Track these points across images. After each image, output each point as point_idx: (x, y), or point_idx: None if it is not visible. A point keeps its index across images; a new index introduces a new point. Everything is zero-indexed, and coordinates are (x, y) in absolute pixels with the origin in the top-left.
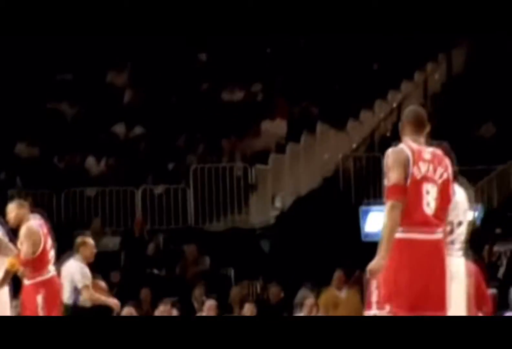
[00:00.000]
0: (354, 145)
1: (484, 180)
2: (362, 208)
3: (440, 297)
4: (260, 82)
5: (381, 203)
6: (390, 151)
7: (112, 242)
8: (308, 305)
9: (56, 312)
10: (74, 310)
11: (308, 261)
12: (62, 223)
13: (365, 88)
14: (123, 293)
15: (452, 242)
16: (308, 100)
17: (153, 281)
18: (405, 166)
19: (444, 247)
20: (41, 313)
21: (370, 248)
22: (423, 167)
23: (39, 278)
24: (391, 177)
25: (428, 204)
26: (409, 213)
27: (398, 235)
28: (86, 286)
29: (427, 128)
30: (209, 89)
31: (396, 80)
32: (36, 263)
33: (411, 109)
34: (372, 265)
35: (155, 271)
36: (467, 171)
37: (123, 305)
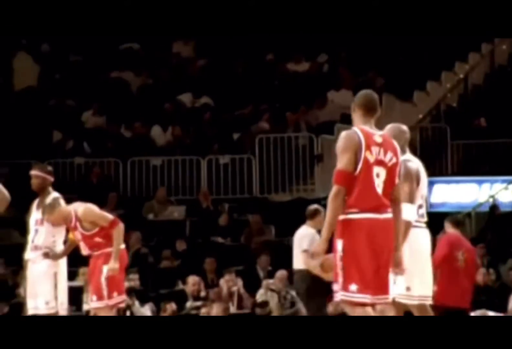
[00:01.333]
0: (420, 116)
1: None
2: (428, 179)
3: (387, 277)
4: (325, 53)
5: (447, 174)
6: (343, 135)
7: (178, 211)
8: None
9: (116, 285)
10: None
11: None
12: (128, 191)
13: (432, 59)
14: (188, 262)
15: (422, 215)
16: (373, 71)
17: (218, 250)
18: (356, 151)
19: (393, 226)
20: (104, 283)
21: (435, 218)
22: (375, 150)
23: (107, 249)
24: (340, 162)
25: (378, 186)
26: (362, 195)
27: (355, 216)
28: (305, 251)
29: (378, 112)
30: (275, 59)
31: (463, 51)
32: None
33: (363, 93)
34: (316, 247)
35: (220, 240)
36: None
37: (188, 274)
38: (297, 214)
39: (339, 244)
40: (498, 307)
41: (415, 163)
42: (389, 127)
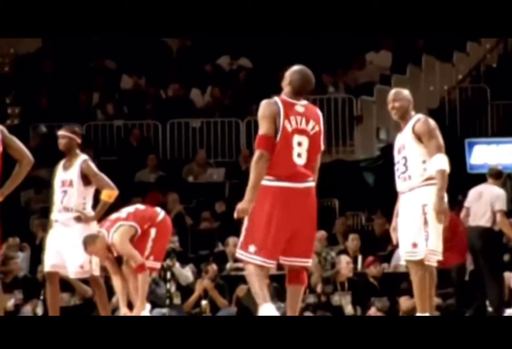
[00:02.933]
0: (460, 77)
1: None
2: (468, 140)
3: (306, 245)
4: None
5: (487, 135)
6: (262, 103)
7: (217, 173)
8: None
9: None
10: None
11: None
12: (168, 153)
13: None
14: (227, 224)
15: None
16: (413, 32)
17: None
18: (275, 118)
19: (315, 195)
20: (149, 245)
21: (475, 180)
22: (294, 120)
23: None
24: (261, 128)
25: (299, 155)
26: (279, 163)
27: (269, 183)
28: (501, 210)
29: (311, 87)
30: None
31: None
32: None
33: (298, 69)
34: (239, 206)
35: None
36: None
37: (227, 235)
38: (336, 176)
39: (256, 205)
40: None
41: (432, 120)
42: (396, 91)
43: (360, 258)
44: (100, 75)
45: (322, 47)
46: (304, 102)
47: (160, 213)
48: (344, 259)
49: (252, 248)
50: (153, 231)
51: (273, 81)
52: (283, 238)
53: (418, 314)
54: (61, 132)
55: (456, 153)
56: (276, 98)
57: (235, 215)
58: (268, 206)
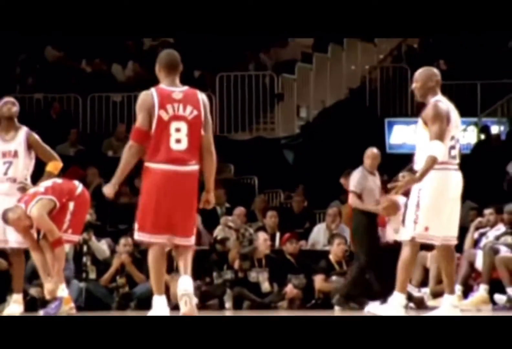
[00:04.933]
0: (381, 56)
1: (511, 94)
2: (387, 119)
3: (187, 224)
4: None
5: (407, 115)
6: (140, 95)
7: None
8: (331, 215)
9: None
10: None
11: (331, 172)
12: (88, 127)
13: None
14: None
15: (454, 157)
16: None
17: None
18: (150, 110)
19: (195, 178)
20: (68, 218)
21: (394, 159)
22: (171, 108)
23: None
24: (137, 120)
25: (178, 141)
26: (158, 150)
27: (151, 165)
28: (352, 192)
29: (180, 69)
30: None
31: None
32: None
33: (164, 53)
34: (104, 188)
35: None
36: (494, 84)
37: None
38: (256, 153)
39: (141, 186)
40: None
41: (446, 104)
42: (421, 70)
43: (278, 235)
44: (22, 49)
45: (243, 24)
46: (183, 88)
47: (79, 186)
48: (261, 236)
49: (144, 227)
50: (71, 205)
51: (195, 55)
52: (164, 215)
53: (394, 292)
54: (10, 99)
55: (376, 133)
56: (152, 89)
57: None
58: (151, 187)
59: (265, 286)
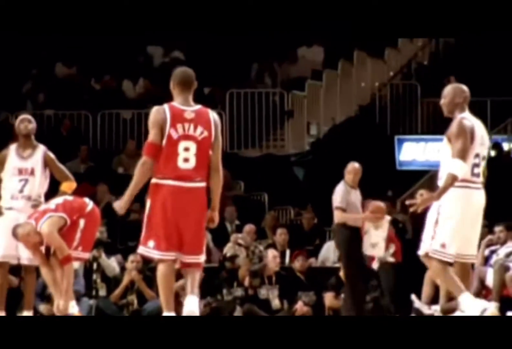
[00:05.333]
0: (391, 73)
1: None
2: (397, 136)
3: (195, 242)
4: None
5: (417, 133)
6: (152, 110)
7: None
8: None
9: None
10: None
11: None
12: (98, 144)
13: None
14: None
15: (478, 175)
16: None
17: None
18: (162, 126)
19: (203, 195)
20: (78, 235)
21: (404, 176)
22: (181, 127)
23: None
24: (150, 135)
25: (186, 160)
26: (166, 167)
27: (158, 181)
28: (337, 207)
29: (194, 87)
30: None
31: None
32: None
33: (178, 70)
34: (116, 204)
35: None
36: (503, 101)
37: None
38: (266, 170)
39: (147, 203)
40: None
41: (471, 121)
42: (449, 85)
43: (288, 252)
44: (33, 64)
45: (255, 41)
46: (196, 107)
47: (89, 204)
48: (271, 253)
49: (151, 243)
50: (82, 222)
51: (206, 72)
52: (173, 232)
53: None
54: (27, 117)
55: (386, 150)
56: (165, 106)
57: (117, 212)
58: (159, 203)
59: (275, 303)
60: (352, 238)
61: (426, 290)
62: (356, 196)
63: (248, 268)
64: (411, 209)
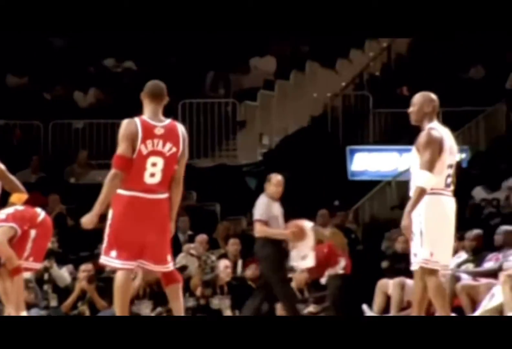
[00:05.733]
0: (343, 84)
1: (472, 122)
2: (349, 147)
3: (159, 251)
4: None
5: (368, 143)
6: (124, 122)
7: (100, 175)
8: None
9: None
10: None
11: (293, 199)
12: (50, 154)
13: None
14: None
15: (450, 185)
16: (298, 38)
17: None
18: (133, 140)
19: (167, 205)
20: (29, 245)
21: (355, 186)
22: (151, 143)
23: None
24: (119, 147)
25: (152, 175)
26: (131, 180)
27: (121, 192)
28: (257, 220)
29: (165, 100)
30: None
31: None
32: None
33: (150, 83)
34: (84, 218)
35: None
36: (455, 112)
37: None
38: (218, 180)
39: (109, 214)
40: None
41: (440, 132)
42: (419, 94)
43: (240, 262)
44: None
45: (207, 51)
46: (166, 122)
47: (41, 214)
48: (222, 263)
49: (113, 253)
50: (33, 232)
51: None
52: (135, 241)
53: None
54: None
55: (338, 160)
56: (137, 120)
57: (82, 225)
58: (121, 213)
59: (227, 313)
60: (275, 252)
61: (377, 300)
62: (278, 208)
63: (200, 278)
64: (406, 236)
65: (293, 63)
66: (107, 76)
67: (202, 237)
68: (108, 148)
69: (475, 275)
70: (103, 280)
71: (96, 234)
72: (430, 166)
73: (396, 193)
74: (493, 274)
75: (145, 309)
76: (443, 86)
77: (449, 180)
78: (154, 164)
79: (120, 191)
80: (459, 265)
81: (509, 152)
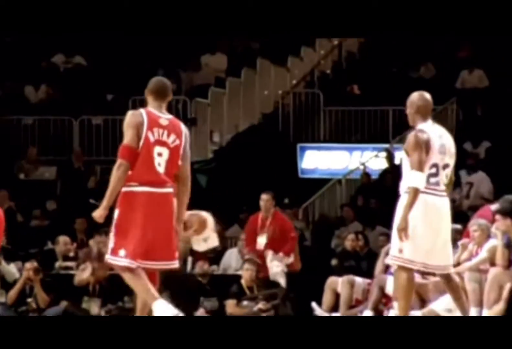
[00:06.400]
0: (294, 82)
1: None
2: (300, 144)
3: (168, 247)
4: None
5: (319, 141)
6: (129, 113)
7: (49, 171)
8: (243, 239)
9: None
10: None
11: (244, 196)
12: None
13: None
14: (58, 222)
15: (437, 183)
16: (249, 35)
17: (89, 211)
18: (138, 129)
19: (173, 200)
20: None
21: (306, 184)
22: (157, 132)
23: None
24: (125, 138)
25: (159, 164)
26: (141, 171)
27: (133, 189)
28: None
29: (169, 97)
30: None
31: None
32: None
33: (154, 79)
34: (95, 212)
35: (92, 201)
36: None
37: (58, 234)
38: None
39: (115, 213)
40: (365, 273)
41: (427, 133)
42: (413, 95)
43: (190, 259)
44: None
45: (157, 48)
46: (169, 116)
47: None
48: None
49: (122, 252)
50: None
51: (108, 79)
52: (146, 240)
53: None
54: None
55: (288, 158)
56: (142, 110)
57: (95, 219)
58: (134, 211)
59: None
60: None
61: (327, 298)
62: None
63: None
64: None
65: (244, 61)
66: (57, 72)
67: None
68: (58, 145)
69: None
70: (52, 277)
71: (45, 231)
72: (420, 166)
73: (346, 191)
74: None
75: (94, 307)
76: (394, 85)
77: (433, 179)
78: (160, 154)
79: (128, 189)
80: None
81: (459, 150)
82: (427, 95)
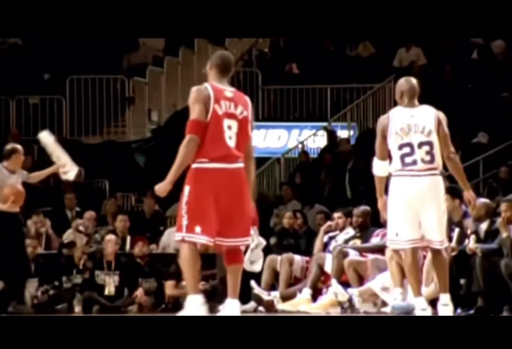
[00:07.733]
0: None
1: (360, 99)
2: None
3: (244, 223)
4: None
5: (257, 120)
6: (193, 89)
7: None
8: None
9: None
10: None
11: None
12: None
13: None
14: None
15: (414, 162)
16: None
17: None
18: (206, 103)
19: (244, 175)
20: None
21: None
22: (224, 104)
23: None
24: (192, 113)
25: (230, 138)
26: (212, 145)
27: (203, 165)
28: None
29: (231, 72)
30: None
31: None
32: None
33: (219, 54)
34: (158, 186)
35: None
36: (343, 89)
37: None
38: (107, 157)
39: (186, 190)
40: (304, 252)
41: (385, 119)
42: (399, 81)
43: (128, 238)
44: None
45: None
46: (232, 88)
47: None
48: (109, 239)
49: (198, 229)
50: None
51: (45, 58)
52: (219, 217)
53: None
54: None
55: None
56: (206, 84)
57: (157, 193)
58: (205, 188)
59: (110, 289)
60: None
61: (266, 276)
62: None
63: (83, 250)
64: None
65: (181, 40)
66: None
67: (90, 214)
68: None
69: (362, 250)
70: None
71: None
72: (376, 152)
73: (285, 170)
74: (380, 249)
75: (31, 288)
76: (332, 64)
77: (410, 158)
78: (229, 127)
79: (199, 165)
80: (347, 241)
81: None
82: (406, 79)
